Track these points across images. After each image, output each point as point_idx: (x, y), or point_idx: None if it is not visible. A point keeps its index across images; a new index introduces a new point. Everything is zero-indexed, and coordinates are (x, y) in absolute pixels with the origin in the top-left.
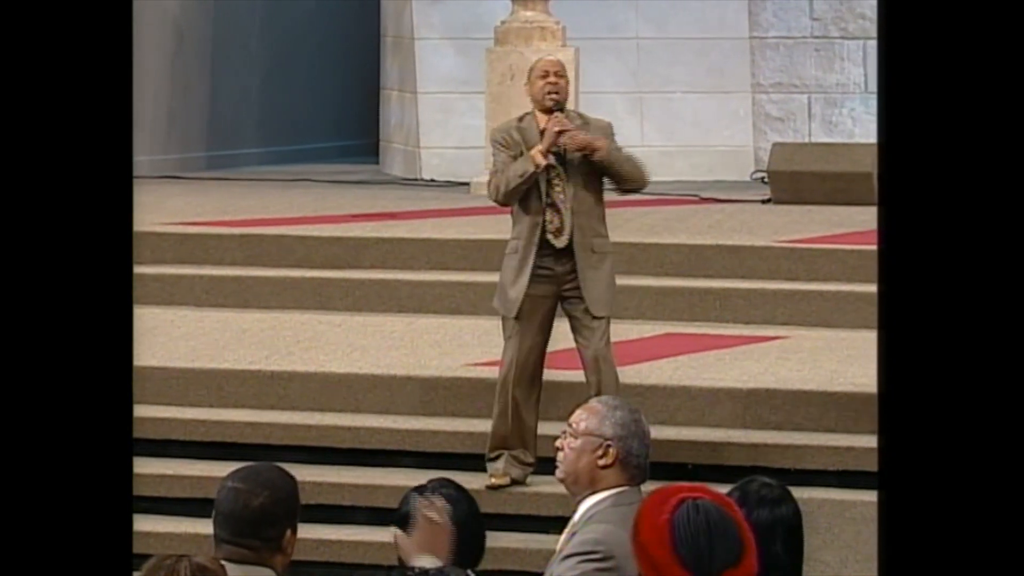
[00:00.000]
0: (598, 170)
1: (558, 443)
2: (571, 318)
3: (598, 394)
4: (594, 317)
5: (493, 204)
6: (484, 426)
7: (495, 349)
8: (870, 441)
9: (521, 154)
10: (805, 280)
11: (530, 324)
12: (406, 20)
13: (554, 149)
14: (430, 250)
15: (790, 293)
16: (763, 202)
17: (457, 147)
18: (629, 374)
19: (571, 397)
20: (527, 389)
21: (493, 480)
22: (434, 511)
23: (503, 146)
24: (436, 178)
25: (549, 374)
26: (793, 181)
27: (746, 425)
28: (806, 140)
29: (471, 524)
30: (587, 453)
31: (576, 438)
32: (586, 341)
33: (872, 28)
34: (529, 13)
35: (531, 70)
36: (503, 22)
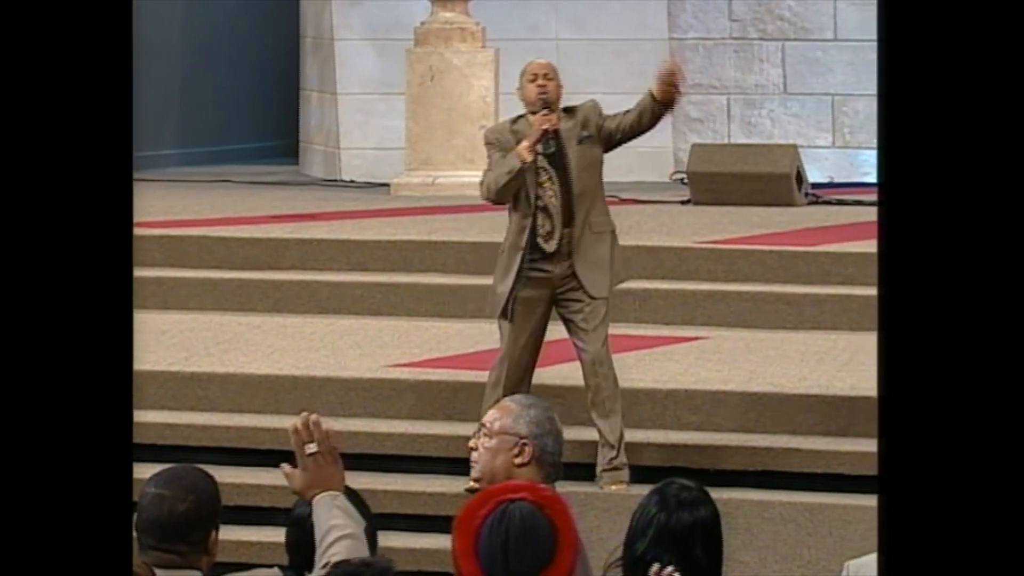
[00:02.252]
0: (594, 159)
1: (472, 443)
2: (567, 322)
3: (593, 400)
4: (592, 298)
5: (414, 206)
6: (403, 427)
7: (415, 350)
8: (788, 441)
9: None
10: (724, 281)
11: (522, 327)
12: (326, 21)
13: (548, 150)
14: (350, 251)
15: (709, 294)
16: (682, 203)
17: (377, 148)
18: (550, 375)
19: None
20: (514, 392)
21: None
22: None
23: (495, 146)
24: (356, 179)
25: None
26: (712, 182)
27: (665, 426)
28: (725, 141)
29: (364, 527)
30: (503, 452)
31: (491, 437)
32: (584, 344)
33: (790, 29)
34: (449, 14)
35: (522, 74)
36: (423, 23)
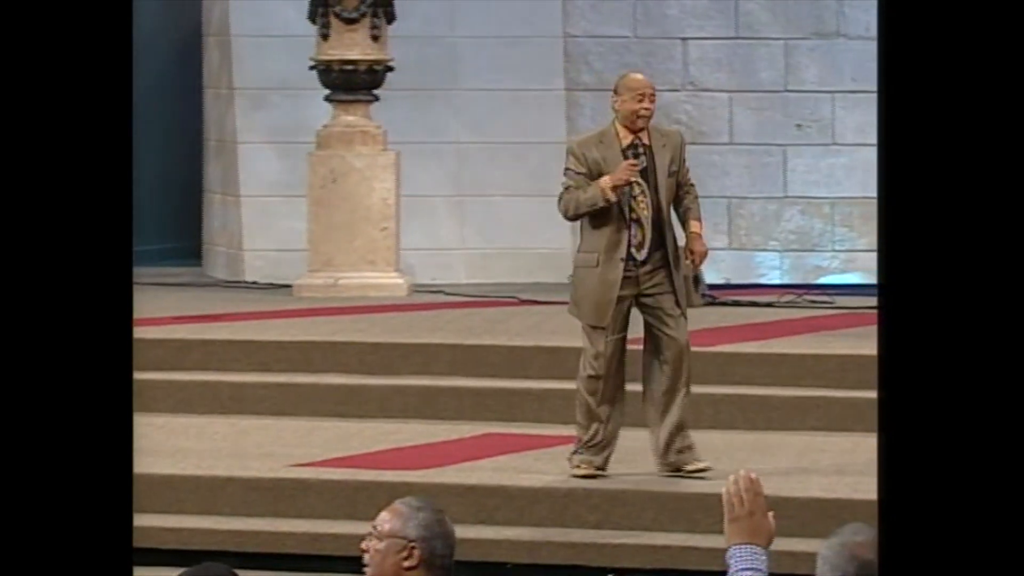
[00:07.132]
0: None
1: (363, 544)
2: (655, 312)
3: (673, 386)
4: (681, 310)
5: (316, 306)
6: (305, 527)
7: (317, 450)
8: (686, 540)
9: (596, 173)
10: None
11: (613, 328)
12: (229, 124)
13: (641, 165)
14: (252, 352)
15: None
16: None
17: (279, 249)
18: (448, 474)
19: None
20: (612, 392)
21: (576, 471)
22: None
23: (579, 161)
24: (259, 280)
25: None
26: None
27: (565, 524)
28: None
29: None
30: (392, 555)
31: (380, 540)
32: (673, 332)
33: (687, 133)
34: (350, 117)
35: (624, 85)
36: (324, 126)
